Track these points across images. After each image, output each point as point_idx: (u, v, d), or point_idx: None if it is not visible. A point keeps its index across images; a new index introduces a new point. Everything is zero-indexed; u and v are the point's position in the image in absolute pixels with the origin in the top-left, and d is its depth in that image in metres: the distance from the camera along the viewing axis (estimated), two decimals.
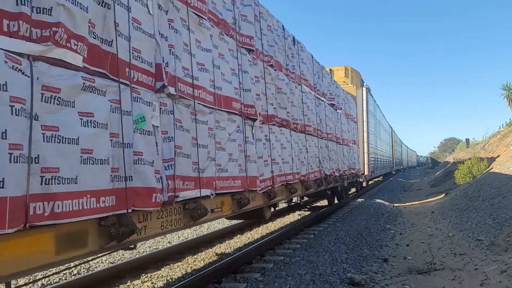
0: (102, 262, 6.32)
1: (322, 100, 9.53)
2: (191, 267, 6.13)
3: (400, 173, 48.46)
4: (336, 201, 13.12)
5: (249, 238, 8.46)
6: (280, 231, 8.47)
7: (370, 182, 23.85)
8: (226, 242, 8.03)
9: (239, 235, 8.68)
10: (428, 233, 9.47)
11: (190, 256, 6.76)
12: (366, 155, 16.90)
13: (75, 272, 5.72)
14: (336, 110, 10.95)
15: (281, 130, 6.50)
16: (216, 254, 7.00)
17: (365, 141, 17.03)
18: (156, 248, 6.85)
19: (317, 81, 9.18)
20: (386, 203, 16.18)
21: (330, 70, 14.56)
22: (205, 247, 7.49)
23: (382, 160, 25.86)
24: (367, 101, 17.59)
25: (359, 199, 16.46)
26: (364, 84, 18.24)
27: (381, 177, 29.86)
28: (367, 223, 10.62)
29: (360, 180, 16.84)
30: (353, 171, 12.91)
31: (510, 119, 31.17)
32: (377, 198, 17.37)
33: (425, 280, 5.80)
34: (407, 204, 16.65)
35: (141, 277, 5.54)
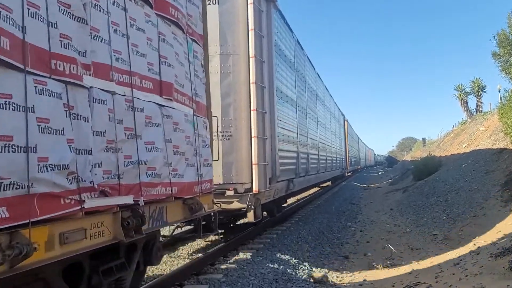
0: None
1: None
2: (152, 270, 6.02)
3: (358, 174, 39.85)
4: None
5: (212, 239, 8.40)
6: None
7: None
8: (189, 244, 7.95)
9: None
10: (387, 230, 9.76)
11: None
12: (255, 140, 7.00)
13: None
14: None
15: None
16: (179, 256, 6.91)
17: (253, 106, 7.05)
18: None
19: None
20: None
21: None
22: (168, 249, 7.37)
23: (326, 158, 15.90)
24: (263, 16, 7.47)
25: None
26: None
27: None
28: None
29: (232, 208, 6.81)
30: (162, 196, 3.61)
31: (462, 118, 32.70)
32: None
33: (384, 275, 5.98)
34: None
35: None
